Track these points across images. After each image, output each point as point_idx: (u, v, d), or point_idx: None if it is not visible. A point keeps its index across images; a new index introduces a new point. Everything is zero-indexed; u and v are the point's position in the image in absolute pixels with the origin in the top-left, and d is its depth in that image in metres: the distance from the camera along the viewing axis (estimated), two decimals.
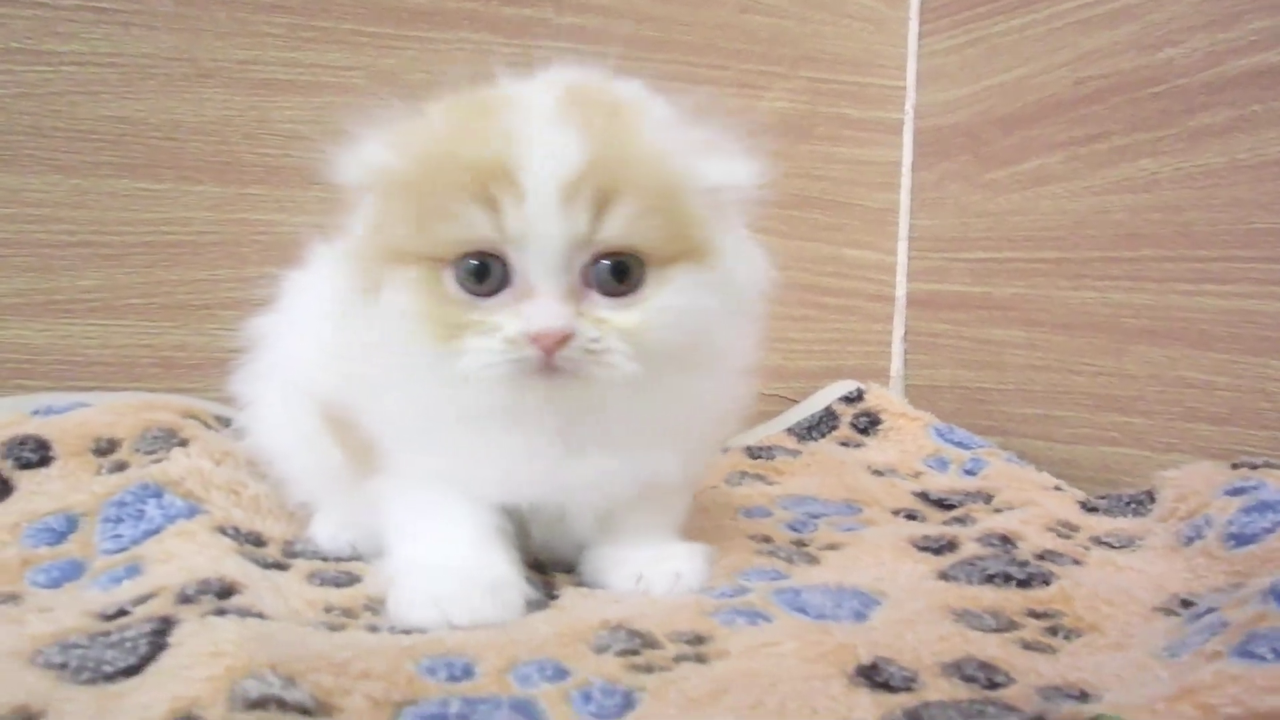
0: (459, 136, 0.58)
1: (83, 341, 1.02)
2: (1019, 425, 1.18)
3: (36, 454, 0.81)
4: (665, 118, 0.61)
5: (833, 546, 0.78)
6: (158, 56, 1.02)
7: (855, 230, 1.35)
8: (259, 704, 0.40)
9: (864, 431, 1.22)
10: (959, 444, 1.14)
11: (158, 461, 0.80)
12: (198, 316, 1.04)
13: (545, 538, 0.70)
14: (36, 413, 0.90)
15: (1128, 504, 0.88)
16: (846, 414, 1.25)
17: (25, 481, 0.78)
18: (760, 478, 1.04)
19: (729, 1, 1.26)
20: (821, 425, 1.24)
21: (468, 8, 1.13)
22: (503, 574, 0.63)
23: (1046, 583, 0.66)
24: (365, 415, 0.65)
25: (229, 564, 0.64)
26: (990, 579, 0.68)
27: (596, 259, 0.56)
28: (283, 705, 0.41)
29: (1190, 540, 0.72)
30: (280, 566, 0.69)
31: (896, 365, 1.38)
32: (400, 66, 1.11)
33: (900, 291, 1.38)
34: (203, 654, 0.45)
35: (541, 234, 0.55)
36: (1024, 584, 0.67)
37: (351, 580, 0.68)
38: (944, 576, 0.69)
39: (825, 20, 1.31)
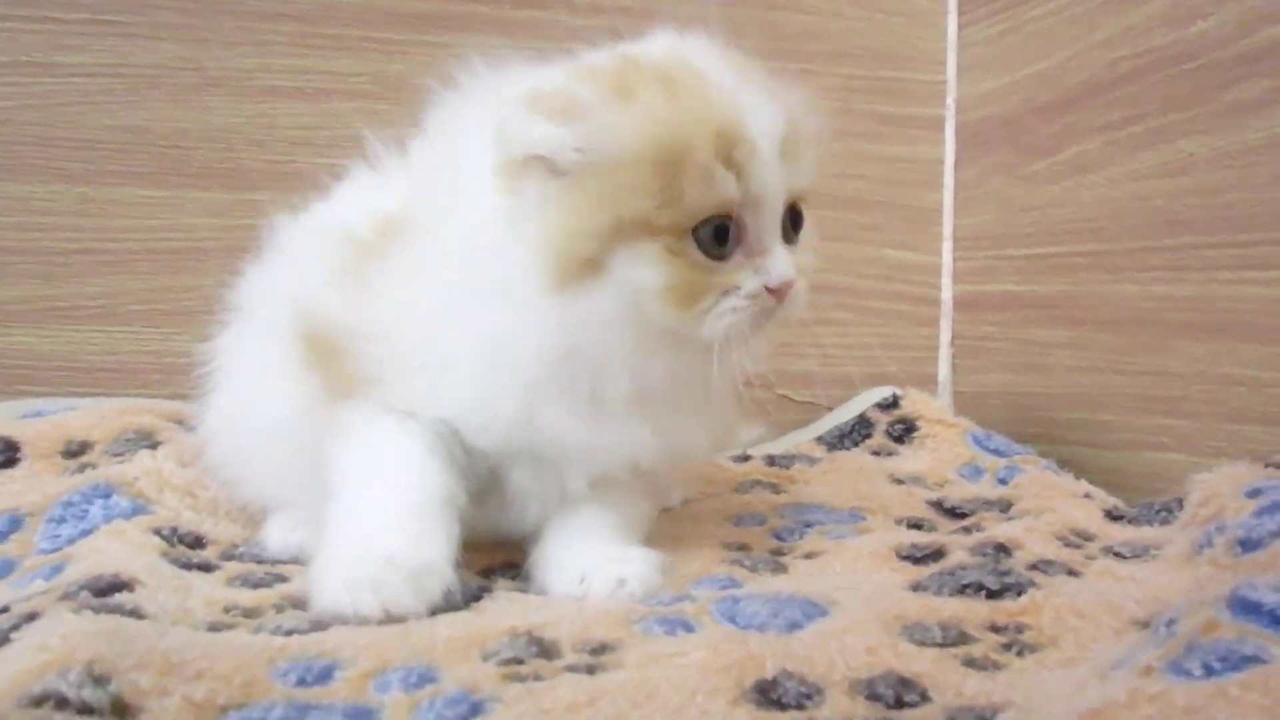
0: (682, 106, 0.58)
1: (86, 348, 1.03)
2: (1064, 431, 1.08)
3: (3, 455, 0.82)
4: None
5: (810, 555, 0.72)
6: (164, 66, 1.03)
7: (897, 230, 1.28)
8: (39, 701, 0.38)
9: (899, 440, 1.14)
10: (996, 451, 1.05)
11: (122, 464, 0.80)
12: (201, 323, 1.03)
13: (517, 498, 0.67)
14: (26, 416, 0.92)
15: (1158, 511, 0.80)
16: (882, 421, 1.17)
17: None
18: (771, 486, 0.97)
19: None
20: (854, 433, 1.17)
21: (477, 11, 1.12)
22: (429, 558, 0.59)
23: (1020, 593, 0.59)
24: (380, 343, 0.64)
25: (139, 562, 0.61)
26: (963, 590, 0.60)
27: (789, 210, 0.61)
28: (63, 703, 0.38)
29: (1202, 548, 0.63)
30: (206, 568, 0.66)
31: (944, 371, 1.30)
32: (408, 72, 1.10)
33: (947, 294, 1.30)
34: (29, 648, 0.43)
35: (772, 191, 0.59)
36: (995, 595, 0.59)
37: (275, 581, 0.65)
38: (915, 587, 0.62)
39: (858, 15, 1.25)
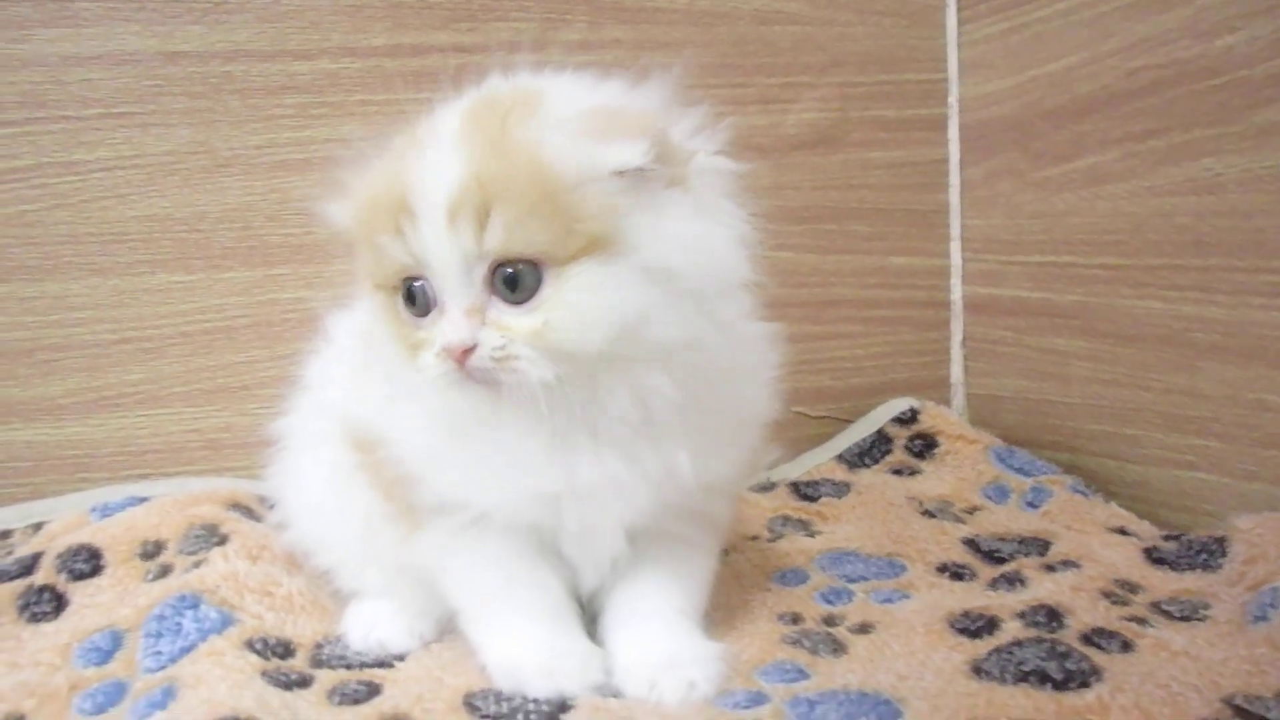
0: (387, 174, 0.62)
1: (135, 433, 1.06)
2: (1087, 443, 1.11)
3: (89, 564, 0.85)
4: (566, 112, 0.60)
5: (864, 628, 0.75)
6: (177, 152, 1.04)
7: (901, 237, 1.29)
8: None
9: (919, 455, 1.17)
10: (1020, 470, 1.08)
11: (198, 564, 0.83)
12: (238, 398, 1.08)
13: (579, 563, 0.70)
14: (94, 510, 0.96)
15: (1198, 553, 0.83)
16: (900, 436, 1.20)
17: (78, 594, 0.82)
18: (803, 525, 1.01)
19: (745, 15, 1.20)
20: (874, 450, 1.19)
21: (475, 61, 1.10)
22: (583, 647, 0.69)
23: (1086, 684, 0.62)
24: (389, 434, 0.68)
25: (248, 695, 0.64)
26: (1026, 677, 0.63)
27: (495, 269, 0.58)
28: None
29: (1257, 619, 0.66)
30: (304, 683, 0.69)
31: (957, 373, 1.32)
32: None
33: (956, 295, 1.31)
34: None
35: (435, 255, 0.59)
36: (1061, 686, 0.62)
37: (370, 694, 0.68)
38: (977, 671, 0.65)
39: (851, 21, 1.24)
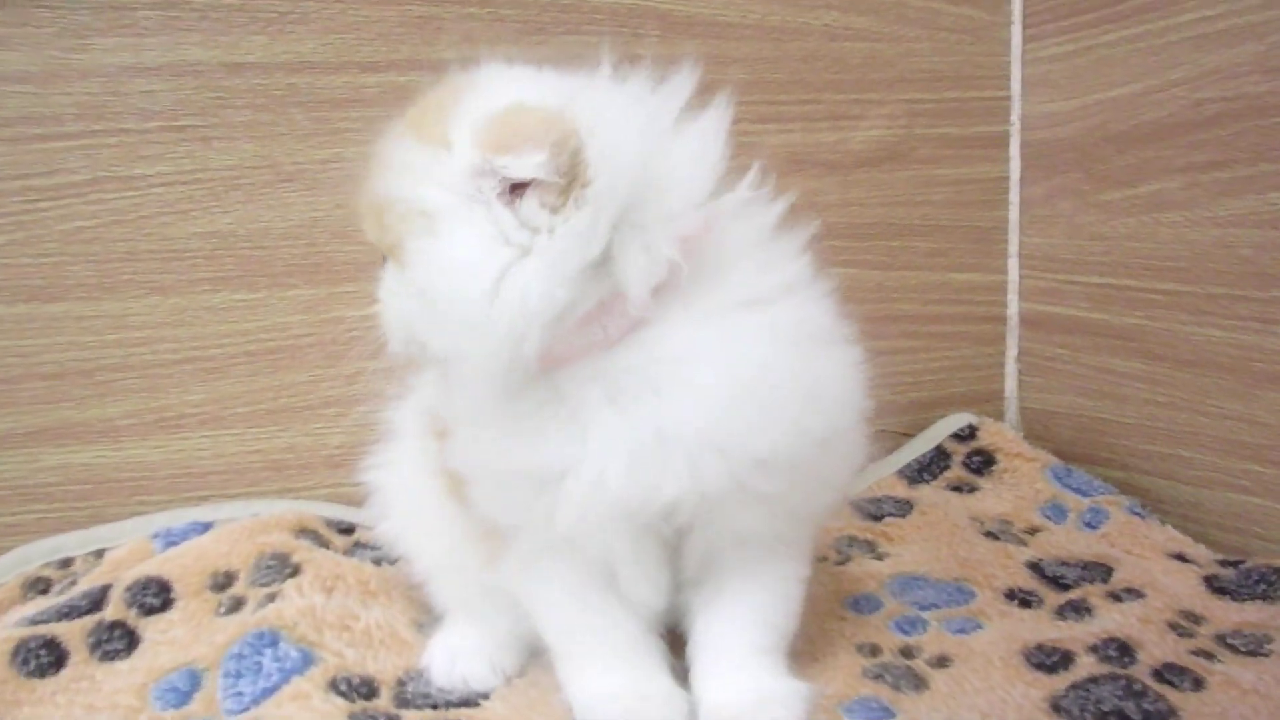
0: None
1: (195, 455, 1.05)
2: (1141, 462, 1.11)
3: (159, 597, 0.84)
4: (474, 116, 0.59)
5: (942, 662, 0.76)
6: (240, 167, 1.03)
7: (961, 253, 1.29)
8: None
9: (978, 472, 1.18)
10: (1078, 490, 1.09)
11: (271, 597, 0.83)
12: (302, 418, 1.07)
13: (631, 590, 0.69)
14: (157, 536, 0.95)
15: (1257, 582, 0.84)
16: (959, 453, 1.21)
17: (150, 629, 0.81)
18: (870, 546, 1.01)
19: (815, 31, 1.20)
20: (933, 466, 1.20)
21: None
22: (666, 686, 0.69)
23: None
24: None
25: None
26: (1105, 717, 0.65)
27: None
28: None
29: None
30: None
31: (1011, 387, 1.33)
32: None
33: (1013, 310, 1.32)
34: None
35: None
36: None
37: None
38: (1056, 708, 0.67)
39: (920, 37, 1.24)
